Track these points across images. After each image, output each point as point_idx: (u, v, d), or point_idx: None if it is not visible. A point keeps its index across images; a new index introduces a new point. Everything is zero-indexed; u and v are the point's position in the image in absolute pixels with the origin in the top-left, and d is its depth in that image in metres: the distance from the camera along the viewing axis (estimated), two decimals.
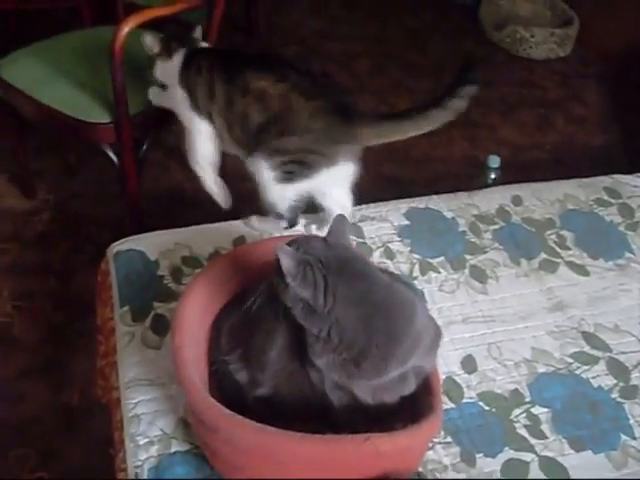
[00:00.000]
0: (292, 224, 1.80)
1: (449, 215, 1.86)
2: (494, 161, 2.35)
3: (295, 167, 1.71)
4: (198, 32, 1.98)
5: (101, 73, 2.08)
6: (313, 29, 3.74)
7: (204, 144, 1.89)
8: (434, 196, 1.93)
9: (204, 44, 2.01)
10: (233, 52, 1.92)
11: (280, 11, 3.82)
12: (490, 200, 1.92)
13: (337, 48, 3.58)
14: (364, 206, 1.86)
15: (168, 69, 1.89)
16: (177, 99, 1.86)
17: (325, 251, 1.18)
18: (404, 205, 1.87)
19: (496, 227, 1.85)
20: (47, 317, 2.25)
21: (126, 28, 1.84)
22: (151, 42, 1.91)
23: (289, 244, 1.19)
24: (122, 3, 2.42)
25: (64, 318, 2.24)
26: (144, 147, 2.11)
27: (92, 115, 2.02)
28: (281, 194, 1.75)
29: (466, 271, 1.72)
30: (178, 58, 1.87)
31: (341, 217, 1.25)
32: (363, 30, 3.78)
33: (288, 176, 1.72)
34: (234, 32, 3.32)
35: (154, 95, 2.01)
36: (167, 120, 2.06)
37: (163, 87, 1.96)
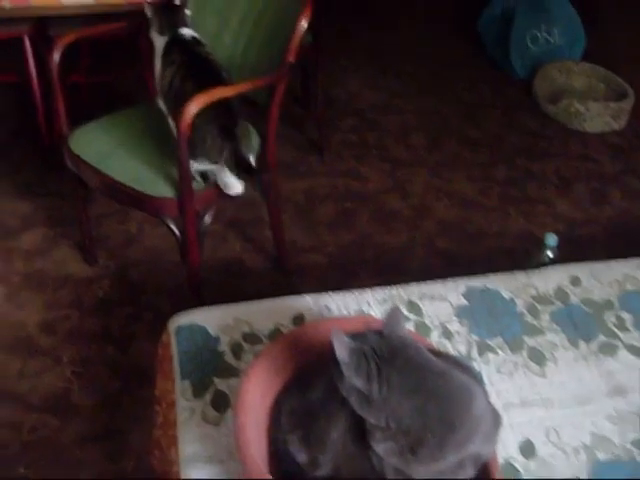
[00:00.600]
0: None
1: (507, 295, 1.86)
2: (552, 239, 2.34)
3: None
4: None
5: (166, 147, 2.15)
6: (370, 102, 3.81)
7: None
8: (492, 275, 1.93)
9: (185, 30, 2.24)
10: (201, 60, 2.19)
11: (337, 83, 3.90)
12: (548, 280, 1.92)
13: (393, 121, 3.64)
14: (423, 283, 1.87)
15: (154, 38, 2.24)
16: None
17: (379, 341, 1.20)
18: (462, 284, 1.88)
19: (554, 308, 1.84)
20: (105, 384, 2.28)
21: (193, 109, 1.90)
22: (148, 9, 2.26)
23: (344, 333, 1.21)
24: None
25: (121, 386, 2.27)
26: (206, 220, 2.15)
27: (157, 190, 2.07)
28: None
29: (524, 353, 1.72)
30: (161, 41, 2.21)
31: (396, 309, 1.27)
32: (419, 104, 3.84)
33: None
34: (291, 103, 3.40)
35: None
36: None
37: None
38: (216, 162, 2.08)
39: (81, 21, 2.87)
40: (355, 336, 1.21)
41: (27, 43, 3.11)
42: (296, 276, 2.64)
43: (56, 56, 2.27)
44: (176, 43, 2.21)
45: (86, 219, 2.63)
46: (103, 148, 2.24)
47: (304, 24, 2.12)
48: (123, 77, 3.61)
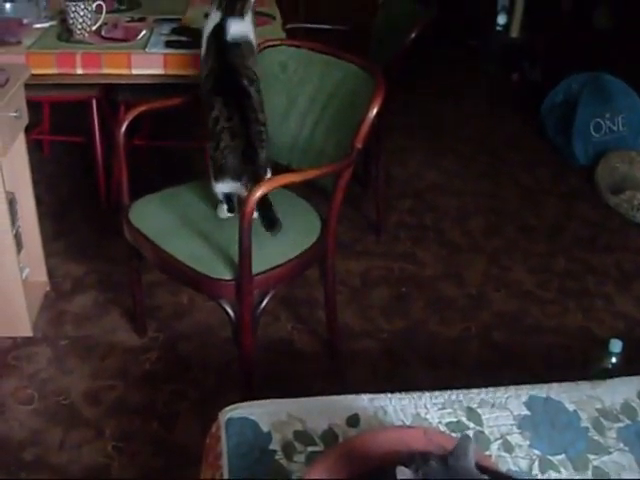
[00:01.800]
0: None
1: (571, 408, 1.77)
2: (616, 346, 2.25)
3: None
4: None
5: (226, 226, 2.13)
6: (428, 182, 3.79)
7: None
8: (555, 385, 1.84)
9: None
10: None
11: (397, 162, 3.89)
12: (614, 394, 1.83)
13: (451, 203, 3.60)
14: (483, 390, 1.79)
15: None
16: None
17: (444, 473, 1.13)
18: (524, 392, 1.80)
19: (621, 425, 1.75)
20: (146, 462, 2.22)
21: (259, 192, 1.87)
22: None
23: (409, 459, 1.14)
24: None
25: (163, 465, 2.21)
26: (263, 304, 2.11)
27: (214, 270, 2.04)
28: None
29: (589, 473, 1.62)
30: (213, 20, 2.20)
31: (466, 439, 1.20)
32: (477, 186, 3.80)
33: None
34: (351, 181, 3.37)
35: None
36: (289, 275, 2.11)
37: None
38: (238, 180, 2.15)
39: (148, 88, 2.91)
40: (418, 466, 1.14)
41: (94, 106, 3.18)
42: (347, 361, 2.58)
43: (123, 128, 2.28)
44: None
45: (138, 287, 2.61)
46: (163, 223, 2.22)
47: (375, 110, 2.09)
48: (183, 144, 3.64)
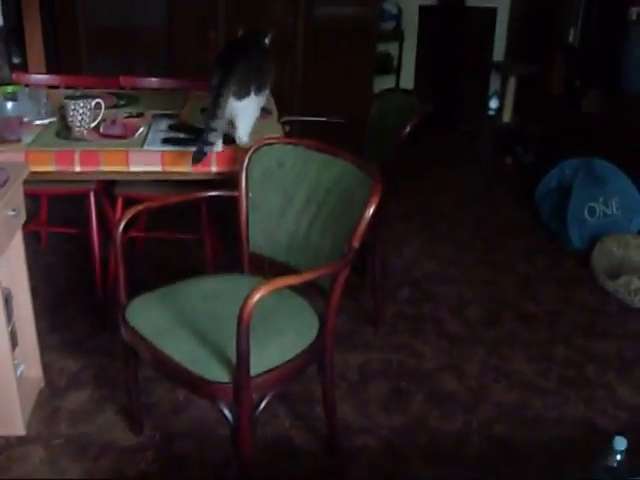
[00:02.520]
0: None
1: None
2: (621, 443, 2.21)
3: None
4: None
5: (224, 327, 2.11)
6: (426, 271, 3.79)
7: None
8: None
9: None
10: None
11: (393, 251, 3.90)
12: None
13: (449, 292, 3.59)
14: None
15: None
16: None
17: None
18: None
19: None
20: None
21: (257, 296, 1.86)
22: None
23: None
24: (248, 253, 2.50)
25: None
26: (261, 406, 2.08)
27: (211, 373, 2.01)
28: None
29: None
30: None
31: None
32: (475, 274, 3.80)
33: None
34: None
35: None
36: (288, 377, 2.10)
37: None
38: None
39: (146, 183, 2.94)
40: None
41: (92, 200, 3.19)
42: (346, 459, 2.53)
43: (121, 227, 2.28)
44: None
45: (134, 384, 2.56)
46: (160, 322, 2.20)
47: (372, 210, 2.10)
48: (180, 236, 3.64)
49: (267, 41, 2.78)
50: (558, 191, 4.33)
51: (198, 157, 2.54)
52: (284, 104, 3.57)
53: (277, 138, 2.49)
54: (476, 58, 6.05)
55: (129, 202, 3.16)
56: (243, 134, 2.74)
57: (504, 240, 4.22)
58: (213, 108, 2.53)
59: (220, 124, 2.56)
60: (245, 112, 2.69)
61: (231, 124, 2.72)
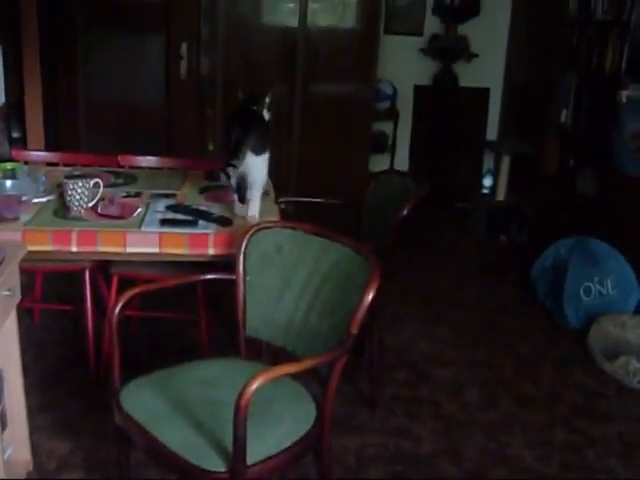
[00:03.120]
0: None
1: None
2: None
3: None
4: None
5: (220, 414, 2.08)
6: (422, 352, 3.76)
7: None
8: None
9: None
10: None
11: (390, 331, 3.87)
12: None
13: (446, 374, 3.56)
14: None
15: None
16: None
17: None
18: None
19: None
20: None
21: (255, 384, 1.83)
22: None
23: None
24: (244, 337, 2.47)
25: None
26: None
27: (207, 462, 1.96)
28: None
29: None
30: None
31: None
32: (472, 355, 3.77)
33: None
34: None
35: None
36: (285, 465, 2.07)
37: None
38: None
39: (142, 262, 2.93)
40: None
41: (87, 277, 3.18)
42: None
43: (117, 310, 2.26)
44: None
45: (126, 468, 2.50)
46: (155, 408, 2.16)
47: (371, 297, 2.09)
48: (175, 315, 3.62)
49: (267, 100, 2.92)
50: (553, 270, 4.33)
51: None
52: (280, 181, 3.59)
53: (275, 222, 2.50)
54: (470, 137, 6.14)
55: (125, 280, 3.17)
56: (254, 209, 2.83)
57: (501, 320, 4.21)
58: (235, 152, 2.66)
59: (239, 164, 2.67)
60: (259, 170, 2.80)
61: (240, 184, 2.84)
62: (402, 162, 6.11)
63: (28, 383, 2.74)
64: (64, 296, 3.94)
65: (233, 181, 2.79)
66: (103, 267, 3.24)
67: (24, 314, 3.65)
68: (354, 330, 2.10)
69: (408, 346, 3.82)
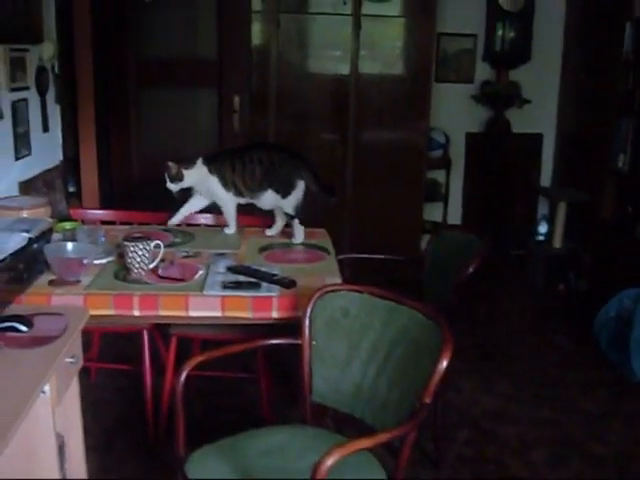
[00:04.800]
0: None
1: None
2: None
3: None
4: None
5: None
6: (485, 408, 3.65)
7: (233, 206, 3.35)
8: None
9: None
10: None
11: (451, 386, 3.78)
12: None
13: (511, 432, 3.44)
14: None
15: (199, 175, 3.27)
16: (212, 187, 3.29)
17: None
18: None
19: None
20: None
21: (331, 461, 1.77)
22: (172, 165, 3.24)
23: None
24: (310, 403, 2.41)
25: None
26: None
27: None
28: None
29: None
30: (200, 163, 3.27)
31: None
32: (535, 412, 3.65)
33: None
34: None
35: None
36: None
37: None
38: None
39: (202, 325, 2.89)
40: None
41: (146, 338, 3.16)
42: None
43: (182, 377, 2.23)
44: None
45: None
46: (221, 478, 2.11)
47: (444, 364, 2.02)
48: (235, 375, 3.57)
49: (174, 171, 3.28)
50: (617, 321, 4.21)
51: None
52: (333, 233, 3.56)
53: (341, 285, 2.44)
54: (523, 183, 6.05)
55: (183, 339, 3.16)
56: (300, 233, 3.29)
57: (563, 373, 4.08)
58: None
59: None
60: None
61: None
62: (455, 210, 6.05)
63: (87, 445, 2.70)
64: (120, 355, 3.92)
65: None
66: (161, 326, 3.22)
67: (81, 373, 3.63)
68: (427, 400, 2.03)
69: (469, 402, 3.72)
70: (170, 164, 3.26)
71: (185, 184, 3.29)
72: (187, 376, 3.50)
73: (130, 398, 3.63)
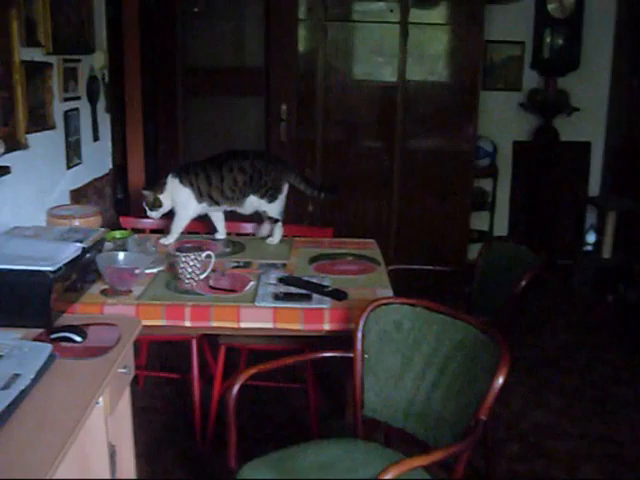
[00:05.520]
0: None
1: None
2: None
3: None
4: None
5: None
6: (534, 423, 3.60)
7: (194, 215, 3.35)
8: None
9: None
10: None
11: (499, 401, 3.72)
12: None
13: (561, 448, 3.38)
14: None
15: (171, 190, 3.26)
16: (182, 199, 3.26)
17: None
18: None
19: None
20: None
21: (388, 476, 1.75)
22: (147, 193, 3.27)
23: None
24: (361, 417, 2.39)
25: None
26: None
27: None
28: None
29: None
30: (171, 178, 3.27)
31: None
32: (587, 427, 3.58)
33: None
34: None
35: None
36: None
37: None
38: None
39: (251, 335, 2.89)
40: None
41: (194, 347, 3.17)
42: None
43: (235, 390, 2.23)
44: None
45: None
46: None
47: (501, 381, 1.99)
48: (285, 386, 3.56)
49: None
50: None
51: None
52: (380, 238, 3.55)
53: (394, 298, 2.41)
54: (571, 192, 5.97)
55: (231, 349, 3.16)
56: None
57: (614, 387, 4.00)
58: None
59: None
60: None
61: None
62: (502, 219, 5.99)
63: (136, 452, 2.72)
64: (166, 361, 3.94)
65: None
66: (209, 334, 3.23)
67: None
68: (483, 416, 2.01)
69: (519, 416, 3.66)
70: (146, 193, 3.27)
71: (165, 208, 3.30)
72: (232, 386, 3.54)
73: (176, 406, 3.65)
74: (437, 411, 2.22)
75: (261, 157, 3.35)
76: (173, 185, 3.25)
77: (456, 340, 2.23)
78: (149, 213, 3.31)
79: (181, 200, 3.27)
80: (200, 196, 3.26)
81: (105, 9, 4.15)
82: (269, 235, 3.40)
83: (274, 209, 3.31)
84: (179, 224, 3.32)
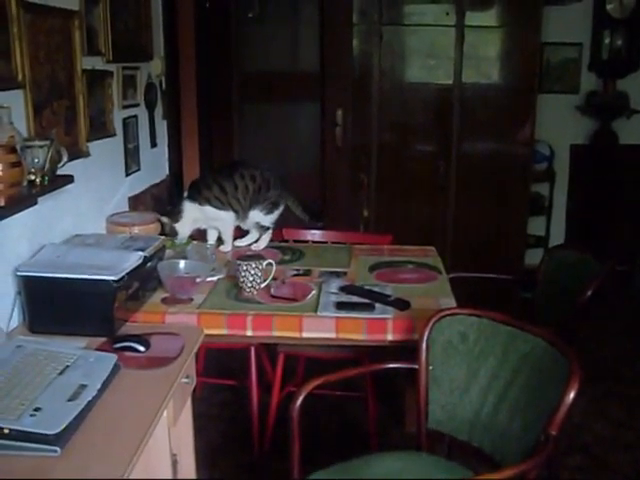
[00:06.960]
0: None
1: None
2: None
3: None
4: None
5: None
6: (595, 434, 3.52)
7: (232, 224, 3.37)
8: None
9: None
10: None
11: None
12: None
13: (624, 461, 3.30)
14: None
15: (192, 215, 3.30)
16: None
17: None
18: None
19: None
20: None
21: None
22: (166, 221, 3.26)
23: None
24: (425, 429, 2.36)
25: None
26: None
27: None
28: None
29: None
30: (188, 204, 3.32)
31: None
32: None
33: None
34: None
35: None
36: None
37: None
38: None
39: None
40: None
41: (252, 354, 3.17)
42: None
43: (298, 402, 2.22)
44: None
45: None
46: None
47: (572, 396, 1.94)
48: (344, 395, 3.52)
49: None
50: None
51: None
52: (436, 243, 3.52)
53: (459, 309, 2.38)
54: (631, 196, 5.83)
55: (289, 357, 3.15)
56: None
57: None
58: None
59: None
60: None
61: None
62: (558, 224, 5.88)
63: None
64: (222, 368, 3.94)
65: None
66: (270, 346, 3.23)
67: None
68: (554, 432, 1.96)
69: (580, 428, 3.58)
70: (165, 220, 3.27)
71: (183, 234, 3.32)
72: (292, 393, 3.52)
73: (233, 413, 3.65)
74: (504, 424, 2.18)
75: (270, 171, 3.40)
76: (193, 210, 3.30)
77: (523, 352, 2.18)
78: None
79: (211, 216, 3.32)
80: (223, 206, 3.30)
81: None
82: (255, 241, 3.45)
83: (268, 220, 3.38)
84: (227, 233, 3.38)
